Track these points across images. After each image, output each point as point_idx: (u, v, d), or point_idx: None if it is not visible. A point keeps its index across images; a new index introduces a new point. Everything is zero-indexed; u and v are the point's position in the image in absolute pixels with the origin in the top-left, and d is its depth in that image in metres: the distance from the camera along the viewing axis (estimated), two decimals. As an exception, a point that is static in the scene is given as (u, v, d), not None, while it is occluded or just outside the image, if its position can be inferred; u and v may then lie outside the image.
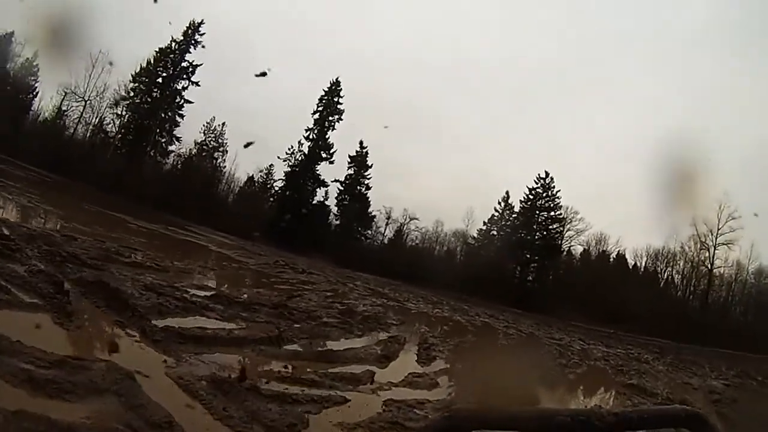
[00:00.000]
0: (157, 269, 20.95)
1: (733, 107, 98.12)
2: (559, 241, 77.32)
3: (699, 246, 74.20)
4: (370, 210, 77.23)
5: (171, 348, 11.45)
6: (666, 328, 63.58)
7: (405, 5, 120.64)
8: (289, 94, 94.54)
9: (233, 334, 13.89)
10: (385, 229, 79.77)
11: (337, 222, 77.13)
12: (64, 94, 63.58)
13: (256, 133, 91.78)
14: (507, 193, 78.46)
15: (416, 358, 18.23)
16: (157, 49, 68.55)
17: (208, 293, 18.36)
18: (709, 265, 73.71)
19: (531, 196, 77.39)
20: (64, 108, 64.78)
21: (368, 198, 77.09)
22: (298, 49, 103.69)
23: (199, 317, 14.82)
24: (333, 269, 54.34)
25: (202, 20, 69.68)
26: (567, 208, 77.10)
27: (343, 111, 76.06)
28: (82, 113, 65.22)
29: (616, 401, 19.35)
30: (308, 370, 12.59)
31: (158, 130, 69.05)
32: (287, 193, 75.13)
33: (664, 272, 78.51)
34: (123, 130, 67.75)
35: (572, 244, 78.62)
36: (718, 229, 71.73)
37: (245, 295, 20.93)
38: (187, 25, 69.53)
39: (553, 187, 76.88)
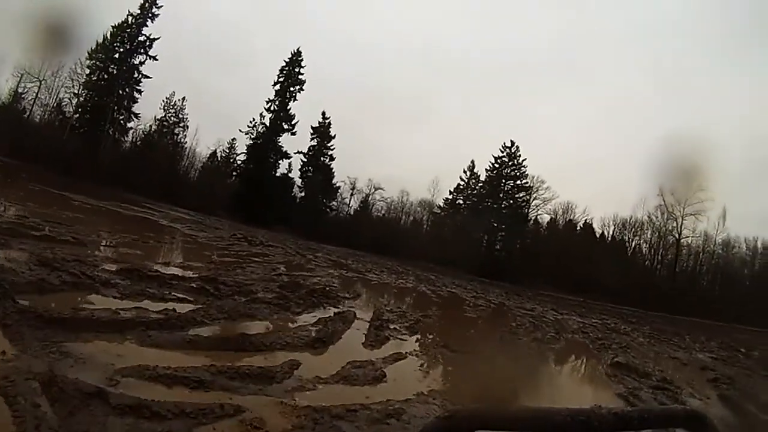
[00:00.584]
0: (73, 243, 18.28)
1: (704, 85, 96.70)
2: (526, 210, 76.27)
3: (666, 216, 73.72)
4: (334, 181, 76.17)
5: (21, 334, 8.42)
6: (634, 297, 62.98)
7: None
8: (253, 68, 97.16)
9: (120, 315, 10.54)
10: (350, 200, 78.88)
11: (302, 194, 75.60)
12: (19, 76, 61.26)
13: (220, 108, 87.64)
14: (473, 162, 77.58)
15: (363, 341, 14.57)
16: (114, 24, 66.14)
17: (120, 267, 15.26)
18: (676, 235, 73.13)
19: (497, 165, 76.46)
20: (20, 91, 62.29)
21: (332, 169, 75.87)
22: (264, 20, 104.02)
23: (90, 295, 11.99)
24: (296, 241, 52.48)
25: None
26: (534, 177, 75.83)
27: (304, 81, 74.54)
28: (37, 94, 62.83)
29: (609, 388, 15.88)
30: (204, 363, 9.17)
31: (116, 108, 66.45)
32: (250, 166, 73.28)
33: (632, 242, 78.18)
34: (80, 110, 65.11)
35: (539, 213, 77.73)
36: (686, 201, 71.14)
37: (170, 270, 17.97)
38: None
39: (519, 155, 75.95)
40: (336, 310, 17.56)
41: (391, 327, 17.06)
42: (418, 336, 17.10)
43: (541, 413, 1.73)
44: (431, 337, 17.80)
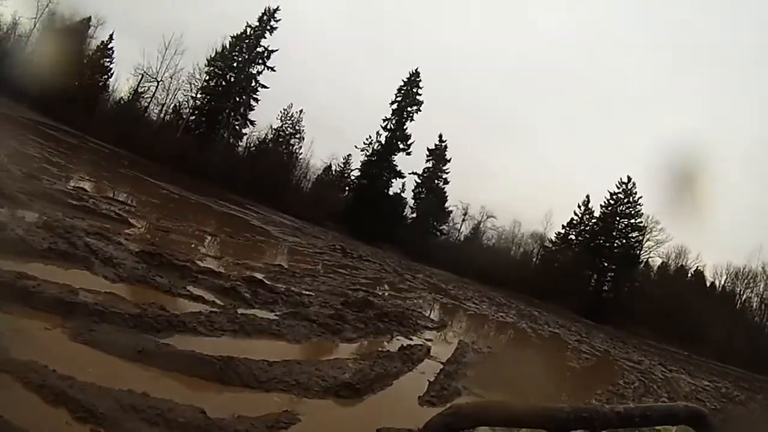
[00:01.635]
0: (114, 219, 16.35)
1: None
2: (638, 251, 68.83)
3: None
4: (446, 205, 71.90)
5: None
6: (740, 356, 54.55)
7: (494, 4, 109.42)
8: (369, 84, 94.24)
9: (78, 297, 8.05)
10: (461, 226, 74.30)
11: (413, 215, 71.91)
12: (141, 75, 61.63)
13: (335, 122, 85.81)
14: (587, 197, 71.18)
15: (423, 392, 9.87)
16: (233, 35, 66.00)
17: (143, 249, 12.78)
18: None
19: (612, 201, 69.52)
20: (140, 90, 62.83)
21: (445, 192, 71.53)
22: (377, 41, 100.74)
23: (73, 270, 9.83)
24: (399, 260, 48.89)
25: (278, 7, 67.05)
26: (648, 217, 68.36)
27: (422, 102, 70.91)
28: (154, 93, 63.08)
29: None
30: (135, 387, 5.99)
31: (232, 113, 65.74)
32: (363, 182, 70.57)
33: (743, 294, 68.30)
34: (196, 112, 64.90)
35: (651, 255, 69.81)
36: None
37: (207, 264, 14.51)
38: (263, 11, 67.02)
39: (635, 192, 68.71)
40: (405, 342, 13.37)
41: (470, 374, 12.33)
42: (504, 391, 12.02)
43: (543, 410, 1.60)
44: (521, 392, 12.89)
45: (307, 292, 14.86)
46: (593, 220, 70.83)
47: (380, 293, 21.35)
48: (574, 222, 71.63)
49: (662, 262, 70.31)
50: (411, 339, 14.19)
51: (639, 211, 68.54)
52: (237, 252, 19.91)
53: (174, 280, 11.36)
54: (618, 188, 69.14)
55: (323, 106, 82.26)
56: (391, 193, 70.89)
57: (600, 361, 26.99)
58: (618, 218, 68.99)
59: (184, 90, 64.09)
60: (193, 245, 17.67)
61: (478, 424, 1.59)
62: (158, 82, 62.61)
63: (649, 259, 70.16)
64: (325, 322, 11.89)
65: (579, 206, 71.43)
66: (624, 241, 68.70)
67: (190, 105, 64.74)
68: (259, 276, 14.47)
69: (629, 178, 68.63)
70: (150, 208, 22.87)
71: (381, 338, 13.31)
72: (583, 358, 25.22)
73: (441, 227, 72.53)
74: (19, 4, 56.97)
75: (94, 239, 12.00)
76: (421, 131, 71.08)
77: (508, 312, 36.37)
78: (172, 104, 64.36)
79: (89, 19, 59.82)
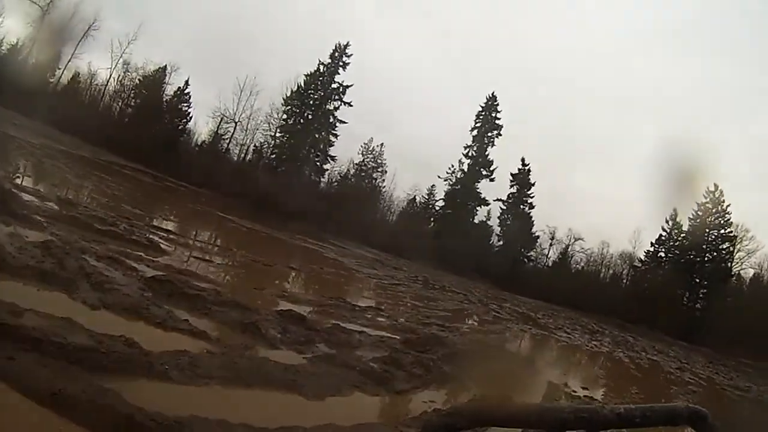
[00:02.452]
0: (144, 245, 14.58)
1: None
2: (730, 264, 62.70)
3: None
4: (533, 230, 68.03)
5: None
6: None
7: (570, 26, 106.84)
8: (447, 113, 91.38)
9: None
10: (548, 251, 69.78)
11: (500, 243, 68.58)
12: (219, 118, 62.16)
13: (417, 153, 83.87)
14: (675, 210, 65.33)
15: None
16: (306, 73, 65.53)
17: (156, 275, 11.08)
18: None
19: (700, 213, 63.84)
20: (220, 132, 63.37)
21: (531, 217, 67.86)
22: (453, 68, 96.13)
23: (46, 292, 8.44)
24: (486, 290, 45.52)
25: (348, 42, 66.43)
26: (738, 226, 62.67)
27: (501, 126, 68.33)
28: (233, 134, 63.52)
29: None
30: None
31: (312, 150, 65.22)
32: (448, 212, 68.01)
33: None
34: (276, 150, 64.84)
35: (743, 266, 63.26)
36: None
37: (246, 296, 12.19)
38: (334, 47, 66.51)
39: (723, 201, 62.93)
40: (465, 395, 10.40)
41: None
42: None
43: (543, 410, 1.66)
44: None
45: (361, 329, 12.31)
46: (682, 235, 66.08)
47: (458, 327, 18.33)
48: (663, 238, 66.66)
49: (755, 273, 63.96)
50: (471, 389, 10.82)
51: (728, 220, 63.22)
52: (292, 284, 17.70)
53: (178, 310, 9.38)
54: (705, 198, 63.73)
55: (404, 137, 79.98)
56: (476, 221, 68.40)
57: (707, 392, 23.09)
58: (707, 230, 63.67)
59: (263, 129, 64.18)
60: (233, 275, 15.49)
61: (478, 424, 1.59)
62: (236, 123, 62.75)
63: (741, 272, 63.98)
64: (369, 368, 9.35)
65: (666, 221, 66.38)
66: (715, 254, 63.40)
67: (269, 144, 64.83)
68: (302, 310, 12.06)
69: (716, 186, 63.18)
70: (204, 238, 21.46)
71: (443, 388, 10.28)
72: (690, 391, 21.45)
73: (528, 254, 68.82)
74: (95, 56, 60.17)
75: (104, 263, 10.77)
76: (503, 155, 68.76)
77: (602, 340, 32.81)
78: (252, 144, 64.63)
79: (165, 67, 60.80)
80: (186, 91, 61.51)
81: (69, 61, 57.00)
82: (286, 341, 9.59)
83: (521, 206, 67.79)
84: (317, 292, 16.81)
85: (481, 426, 1.64)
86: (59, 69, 57.05)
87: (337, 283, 22.19)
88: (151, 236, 15.99)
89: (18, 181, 17.85)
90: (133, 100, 60.22)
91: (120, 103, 60.52)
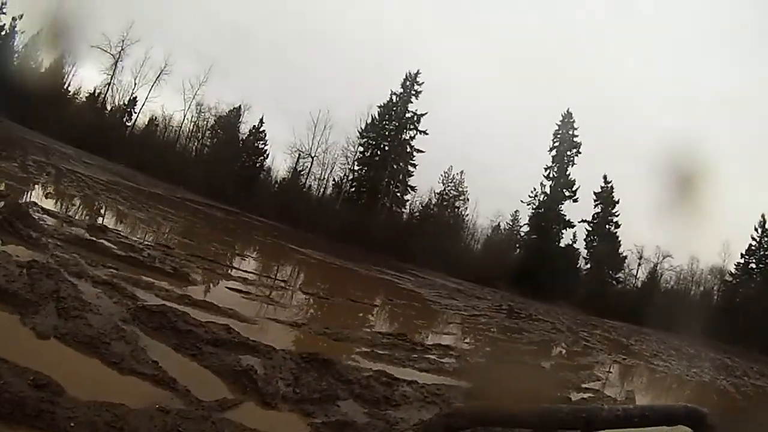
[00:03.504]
0: (166, 274, 12.65)
1: None
2: None
3: None
4: (620, 250, 63.58)
5: None
6: None
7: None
8: (527, 134, 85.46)
9: None
10: (637, 271, 65.39)
11: (587, 266, 64.24)
12: (297, 154, 61.44)
13: (498, 179, 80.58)
14: (763, 216, 60.33)
15: None
16: (380, 104, 63.54)
17: (145, 306, 8.91)
18: None
19: None
20: (298, 168, 62.19)
21: (618, 237, 63.34)
22: (523, 86, 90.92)
23: None
24: (574, 316, 42.04)
25: (418, 70, 64.08)
26: None
27: (580, 144, 64.50)
28: (310, 169, 62.43)
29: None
30: None
31: (391, 181, 62.78)
32: (533, 237, 64.20)
33: None
34: (355, 183, 63.12)
35: None
36: None
37: (269, 334, 10.14)
38: (405, 76, 64.13)
39: None
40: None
41: None
42: None
43: (542, 410, 1.64)
44: None
45: (413, 377, 9.54)
46: None
47: (545, 366, 15.74)
48: (753, 248, 61.03)
49: None
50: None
51: None
52: (344, 319, 15.03)
53: (155, 349, 7.39)
54: (792, 196, 57.82)
55: (484, 164, 76.76)
56: (562, 245, 64.40)
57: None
58: None
59: (340, 163, 62.89)
60: (269, 309, 12.83)
61: (478, 424, 1.57)
62: (312, 158, 61.94)
63: None
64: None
65: (755, 228, 61.02)
66: None
67: (348, 177, 63.22)
68: (339, 352, 10.01)
69: None
70: (255, 269, 18.81)
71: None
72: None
73: (616, 275, 64.50)
74: (167, 99, 59.16)
75: (99, 288, 9.26)
76: (585, 174, 65.15)
77: (701, 366, 29.06)
78: (330, 177, 63.42)
79: (239, 107, 60.55)
80: (261, 129, 61.12)
81: (143, 105, 57.57)
82: (292, 397, 7.19)
83: (607, 226, 63.68)
84: (375, 329, 14.26)
85: (482, 426, 1.57)
86: (135, 113, 57.86)
87: (405, 316, 19.58)
88: (184, 265, 13.98)
89: (49, 206, 16.27)
90: (210, 140, 60.85)
91: (197, 144, 61.23)
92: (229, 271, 16.11)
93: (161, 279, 11.80)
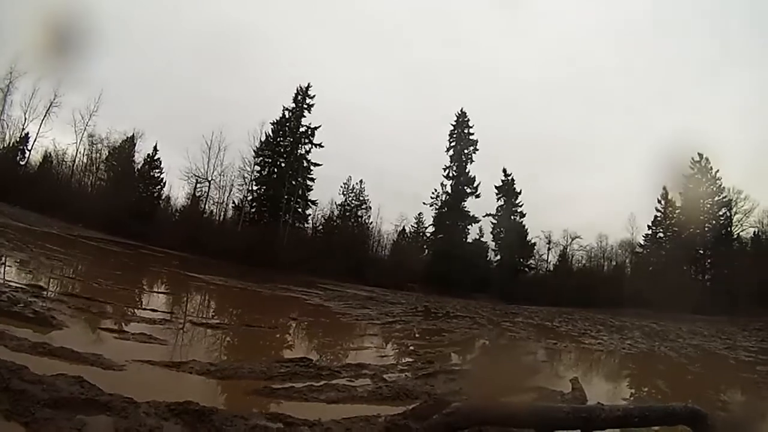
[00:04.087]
0: (26, 319, 10.58)
1: None
2: (729, 228, 59.80)
3: None
4: (528, 238, 64.41)
5: None
6: None
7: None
8: (417, 137, 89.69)
9: None
10: (548, 256, 66.49)
11: (497, 258, 64.67)
12: (195, 179, 59.88)
13: (397, 183, 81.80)
14: (665, 188, 62.60)
15: None
16: (272, 121, 62.78)
17: None
18: None
19: (690, 185, 60.59)
20: (197, 193, 60.73)
21: (524, 226, 64.13)
22: (410, 90, 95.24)
23: None
24: (493, 307, 41.72)
25: (309, 84, 63.65)
26: (730, 189, 59.58)
27: (476, 141, 65.33)
28: (208, 193, 61.11)
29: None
30: None
31: (291, 197, 61.51)
32: (439, 236, 64.43)
33: None
34: (255, 203, 61.94)
35: (742, 229, 60.31)
36: None
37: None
38: (296, 91, 63.65)
39: (711, 168, 59.91)
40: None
41: None
42: None
43: (542, 410, 1.61)
44: None
45: (315, 417, 7.23)
46: (677, 211, 62.67)
47: (471, 369, 14.20)
48: (658, 219, 63.59)
49: (755, 233, 60.64)
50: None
51: (720, 186, 59.90)
52: (238, 348, 13.17)
53: None
54: (692, 168, 60.34)
55: (381, 170, 76.48)
56: (470, 240, 64.78)
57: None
58: (701, 200, 60.12)
59: (238, 184, 61.66)
60: (144, 348, 10.48)
61: (478, 423, 1.56)
62: (209, 181, 60.41)
63: (741, 234, 60.85)
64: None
65: (659, 200, 63.39)
66: (713, 222, 60.08)
67: (247, 198, 61.83)
68: (219, 395, 8.46)
69: (701, 155, 60.05)
70: (142, 302, 16.99)
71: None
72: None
73: (528, 262, 65.31)
74: (59, 133, 58.11)
75: None
76: (484, 169, 65.83)
77: (632, 336, 28.55)
78: (230, 200, 62.03)
79: (133, 137, 58.66)
80: (156, 157, 59.16)
81: (35, 140, 54.85)
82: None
83: (512, 217, 64.23)
84: (273, 357, 12.07)
85: (481, 425, 1.56)
86: (27, 150, 55.11)
87: (310, 336, 17.70)
88: (51, 308, 11.88)
89: None
90: (105, 173, 58.42)
91: (92, 178, 58.71)
92: (107, 309, 13.75)
93: (18, 325, 9.88)
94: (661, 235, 63.25)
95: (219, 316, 17.55)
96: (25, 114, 53.49)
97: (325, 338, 17.34)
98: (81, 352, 8.75)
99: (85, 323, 11.80)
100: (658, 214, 63.23)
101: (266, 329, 16.35)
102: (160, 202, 59.56)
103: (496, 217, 64.56)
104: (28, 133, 54.23)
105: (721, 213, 60.15)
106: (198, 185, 59.89)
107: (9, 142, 54.05)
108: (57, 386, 6.56)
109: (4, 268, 17.51)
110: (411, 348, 16.18)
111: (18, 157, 54.31)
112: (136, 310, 14.58)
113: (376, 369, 11.36)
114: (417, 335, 20.12)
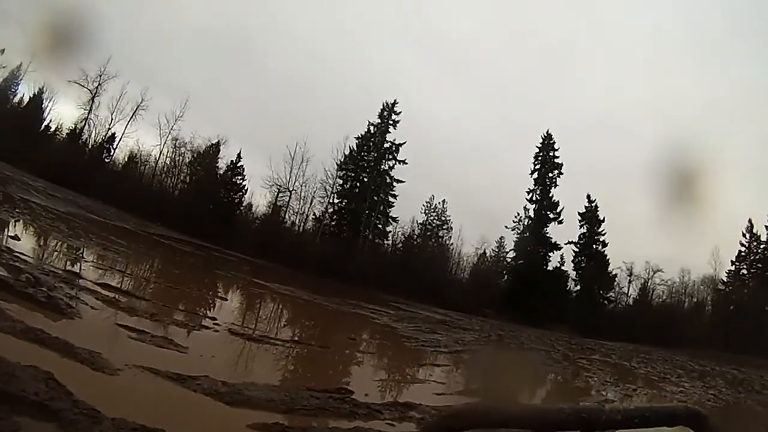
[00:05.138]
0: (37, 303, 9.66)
1: None
2: None
3: None
4: (609, 269, 61.08)
5: None
6: None
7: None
8: (506, 157, 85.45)
9: None
10: (628, 288, 62.98)
11: (577, 287, 61.52)
12: (277, 189, 59.41)
13: (480, 205, 79.13)
14: (750, 221, 58.17)
15: None
16: (357, 136, 61.87)
17: None
18: None
19: None
20: (278, 203, 60.13)
21: (606, 256, 60.91)
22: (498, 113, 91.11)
23: None
24: (569, 340, 39.66)
25: (395, 100, 62.37)
26: None
27: (561, 165, 62.52)
28: (288, 203, 60.46)
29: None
30: None
31: (371, 212, 60.39)
32: (519, 262, 61.66)
33: None
34: (335, 216, 60.92)
35: None
36: None
37: None
38: (382, 106, 62.46)
39: None
40: None
41: None
42: None
43: (543, 411, 1.58)
44: None
45: None
46: (762, 245, 58.08)
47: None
48: (743, 254, 58.84)
49: None
50: None
51: None
52: (269, 368, 11.22)
53: None
54: (781, 200, 55.65)
55: (467, 191, 74.34)
56: (550, 268, 61.59)
57: None
58: None
59: (319, 196, 60.80)
60: (146, 352, 9.14)
61: (478, 425, 1.48)
62: (290, 191, 59.89)
63: None
64: None
65: (743, 234, 58.70)
66: None
67: (328, 210, 60.95)
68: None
69: None
70: (186, 303, 15.68)
71: None
72: None
73: (607, 294, 61.89)
74: (144, 135, 58.00)
75: None
76: (567, 195, 63.45)
77: (715, 384, 25.92)
78: (310, 212, 61.31)
79: (218, 143, 59.08)
80: (239, 164, 58.96)
81: (120, 140, 56.14)
82: None
83: (594, 246, 61.26)
84: (306, 383, 10.08)
85: (481, 427, 1.46)
86: (113, 149, 56.50)
87: (360, 361, 15.47)
88: (76, 295, 11.15)
89: None
90: (188, 177, 58.88)
91: (174, 180, 59.41)
92: (140, 305, 12.32)
93: (23, 307, 8.98)
94: (745, 271, 58.59)
95: (268, 327, 15.98)
96: (112, 114, 54.98)
97: (379, 365, 15.53)
98: (77, 346, 7.56)
99: (105, 317, 10.55)
100: (743, 248, 58.73)
101: (316, 348, 14.59)
102: (241, 208, 59.55)
103: (578, 246, 61.60)
104: (114, 133, 55.82)
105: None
106: (279, 195, 59.65)
107: (95, 140, 55.58)
108: (15, 378, 5.46)
109: (46, 251, 16.69)
110: (475, 385, 14.19)
111: (103, 155, 55.75)
112: (173, 311, 13.20)
113: (427, 411, 9.35)
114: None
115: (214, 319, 13.69)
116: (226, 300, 20.37)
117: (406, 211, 63.99)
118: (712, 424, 1.58)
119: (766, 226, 57.28)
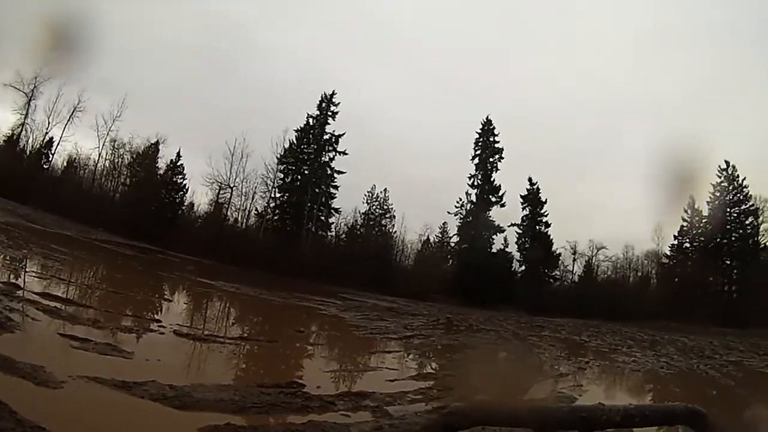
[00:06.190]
0: None
1: None
2: (757, 238, 56.89)
3: None
4: (553, 249, 62.09)
5: None
6: None
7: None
8: (443, 146, 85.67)
9: None
10: (573, 266, 64.31)
11: (522, 268, 62.35)
12: (218, 186, 58.77)
13: (421, 192, 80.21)
14: (692, 197, 59.33)
15: None
16: (296, 128, 61.67)
17: None
18: None
19: (716, 194, 58.17)
20: (220, 200, 59.58)
21: (549, 236, 62.00)
22: (435, 99, 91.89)
23: None
24: (518, 320, 40.32)
25: (333, 91, 62.74)
26: (757, 198, 57.44)
27: (502, 149, 63.30)
28: (230, 200, 59.91)
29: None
30: None
31: (314, 205, 60.29)
32: (463, 246, 62.19)
33: None
34: (277, 211, 60.75)
35: None
36: None
37: None
38: (320, 98, 62.61)
39: (738, 176, 57.57)
40: None
41: None
42: None
43: (541, 409, 1.58)
44: None
45: None
46: (704, 221, 60.12)
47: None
48: (685, 228, 61.26)
49: None
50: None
51: (747, 194, 57.70)
52: (217, 367, 10.95)
53: None
54: (719, 177, 58.06)
55: (406, 179, 74.52)
56: (494, 250, 62.16)
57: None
58: (728, 209, 57.87)
59: (261, 191, 60.58)
60: (89, 361, 8.89)
61: (478, 423, 1.49)
62: (231, 188, 59.35)
63: None
64: None
65: (685, 210, 60.88)
66: (740, 231, 57.64)
67: (270, 205, 60.74)
68: None
69: (728, 163, 57.96)
70: (130, 307, 15.52)
71: None
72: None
73: (553, 273, 63.04)
74: (82, 137, 58.04)
75: None
76: (509, 179, 64.06)
77: (667, 353, 26.52)
78: (252, 207, 61.09)
79: (157, 143, 58.15)
80: (179, 163, 58.06)
81: (58, 144, 54.57)
82: None
83: (537, 227, 62.37)
84: (256, 379, 10.05)
85: (481, 426, 1.48)
86: (51, 154, 54.97)
87: (310, 353, 15.37)
88: (17, 307, 10.81)
89: None
90: (128, 178, 58.00)
91: (114, 183, 58.59)
92: (84, 314, 12.00)
93: None
94: (688, 245, 61.12)
95: (215, 326, 15.78)
96: (48, 118, 53.33)
97: (329, 356, 15.51)
98: (18, 361, 7.28)
99: (47, 328, 10.25)
100: (685, 223, 61.07)
101: (264, 343, 14.58)
102: (183, 208, 58.94)
103: (521, 228, 62.62)
104: (52, 138, 54.16)
105: (747, 222, 57.81)
106: (221, 192, 59.18)
107: (33, 146, 53.96)
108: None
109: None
110: (428, 369, 14.30)
111: (42, 161, 54.08)
112: (117, 317, 12.89)
113: (381, 399, 9.41)
114: (435, 353, 18.42)
115: (159, 321, 13.44)
116: (171, 302, 20.04)
117: (349, 201, 64.19)
118: (712, 423, 1.60)
119: (707, 202, 59.21)
